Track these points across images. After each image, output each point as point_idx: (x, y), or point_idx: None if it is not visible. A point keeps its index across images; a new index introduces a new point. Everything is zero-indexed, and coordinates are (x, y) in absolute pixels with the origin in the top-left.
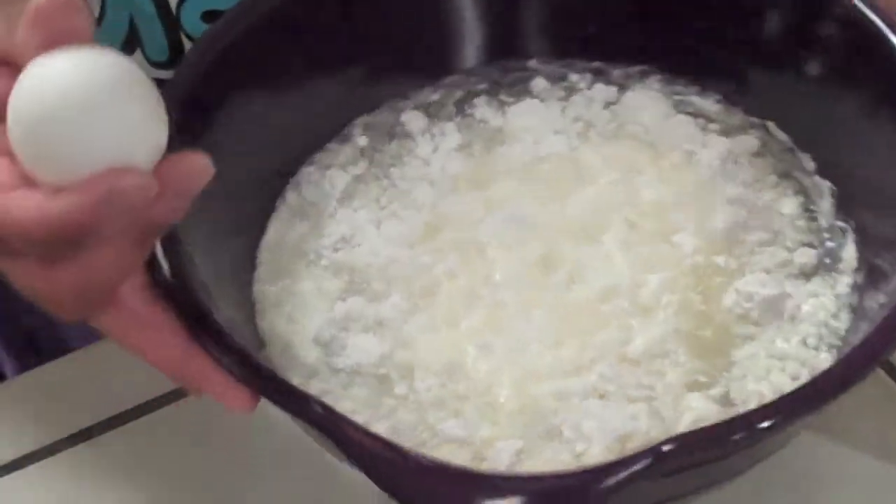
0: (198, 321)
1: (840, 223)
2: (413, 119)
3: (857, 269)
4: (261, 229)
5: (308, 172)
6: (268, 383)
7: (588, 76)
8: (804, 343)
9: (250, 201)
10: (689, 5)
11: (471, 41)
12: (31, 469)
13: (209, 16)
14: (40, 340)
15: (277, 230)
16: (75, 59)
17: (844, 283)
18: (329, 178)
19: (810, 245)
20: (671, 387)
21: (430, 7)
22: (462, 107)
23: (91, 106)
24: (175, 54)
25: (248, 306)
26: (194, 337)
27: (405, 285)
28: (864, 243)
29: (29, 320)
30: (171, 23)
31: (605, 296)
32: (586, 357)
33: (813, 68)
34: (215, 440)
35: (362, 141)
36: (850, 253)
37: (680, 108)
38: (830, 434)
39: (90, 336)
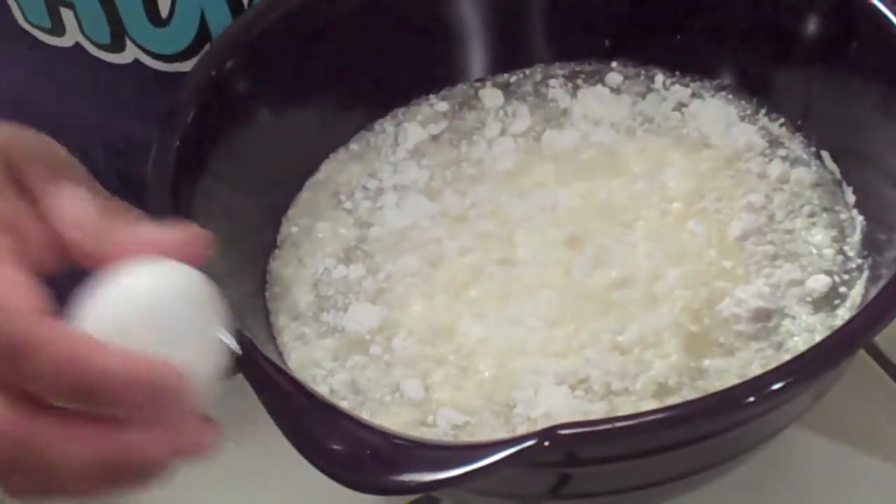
0: None
1: (860, 260)
2: (490, 95)
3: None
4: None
5: (382, 123)
6: None
7: (668, 80)
8: None
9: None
10: (765, 30)
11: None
12: None
13: None
14: None
15: (329, 170)
16: (164, 277)
17: (840, 320)
18: (403, 129)
19: (828, 273)
20: (642, 387)
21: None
22: (538, 88)
23: (171, 327)
24: None
25: (264, 247)
26: None
27: (416, 253)
28: (872, 284)
29: None
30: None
31: (620, 283)
32: (577, 340)
33: (869, 99)
34: None
35: (442, 106)
36: (858, 291)
37: (746, 120)
38: (824, 430)
39: None
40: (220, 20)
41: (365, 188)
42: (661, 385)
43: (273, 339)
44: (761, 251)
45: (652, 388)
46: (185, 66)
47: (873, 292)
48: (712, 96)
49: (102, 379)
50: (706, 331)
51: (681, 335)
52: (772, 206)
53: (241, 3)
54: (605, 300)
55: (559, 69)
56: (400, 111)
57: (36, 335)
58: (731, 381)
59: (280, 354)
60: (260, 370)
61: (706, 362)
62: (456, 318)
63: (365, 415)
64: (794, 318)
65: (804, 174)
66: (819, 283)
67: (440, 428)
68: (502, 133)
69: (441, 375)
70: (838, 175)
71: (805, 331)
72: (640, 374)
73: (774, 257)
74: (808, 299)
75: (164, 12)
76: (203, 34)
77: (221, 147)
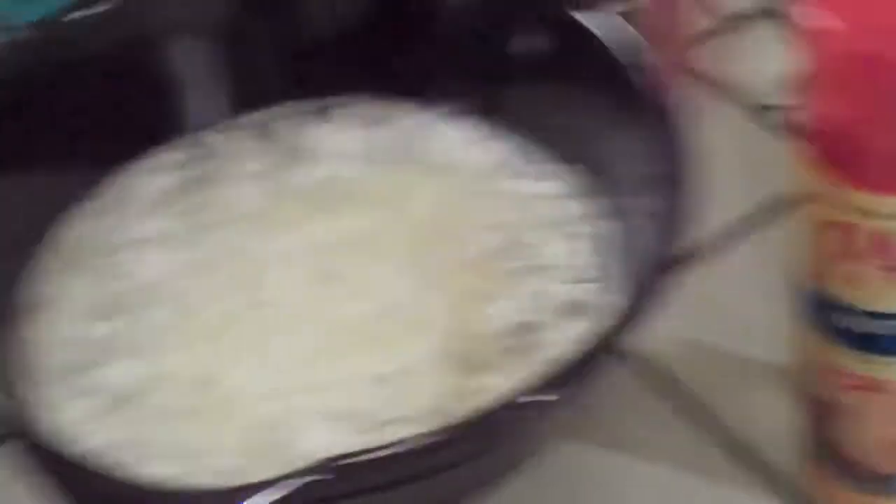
0: None
1: (605, 268)
2: (223, 140)
3: None
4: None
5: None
6: None
7: (406, 109)
8: None
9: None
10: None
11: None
12: None
13: None
14: None
15: (69, 228)
16: None
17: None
18: (141, 182)
19: (577, 282)
20: (413, 414)
21: None
22: (273, 127)
23: None
24: None
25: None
26: None
27: (167, 305)
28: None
29: None
30: None
31: (379, 315)
32: (339, 375)
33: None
34: None
35: (178, 156)
36: (608, 298)
37: (486, 141)
38: (595, 441)
39: None
40: None
41: (108, 243)
42: (432, 409)
43: (27, 403)
44: (510, 267)
45: (422, 414)
46: None
47: (622, 298)
48: (451, 121)
49: None
50: (471, 351)
51: (446, 359)
52: (516, 222)
53: None
54: (364, 333)
55: (293, 107)
56: (134, 164)
57: None
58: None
59: (34, 418)
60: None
61: (475, 382)
62: (214, 366)
63: (135, 470)
64: (553, 328)
65: (545, 188)
66: (570, 292)
67: (205, 477)
68: (242, 176)
69: (203, 424)
70: (578, 187)
71: (565, 341)
72: (407, 401)
73: (526, 272)
74: (564, 309)
75: None
76: None
77: None
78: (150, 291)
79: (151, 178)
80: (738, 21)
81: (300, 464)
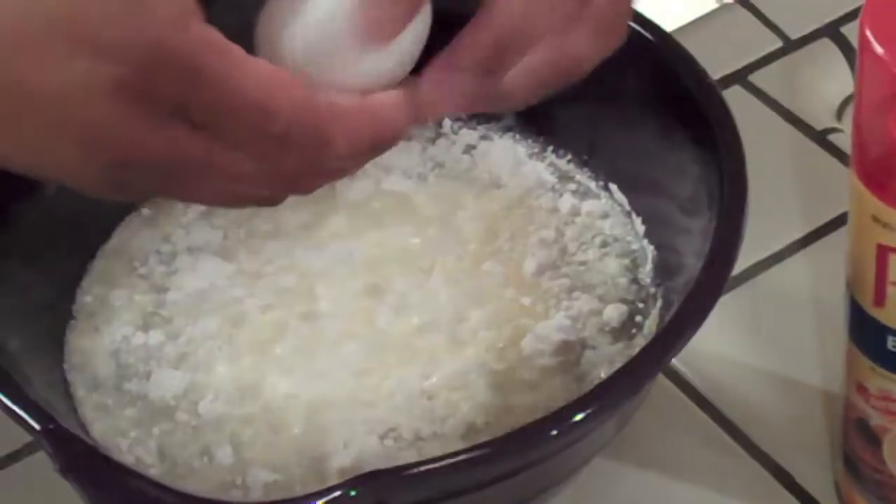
0: None
1: (653, 288)
2: None
3: None
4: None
5: None
6: None
7: (455, 124)
8: None
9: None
10: None
11: None
12: None
13: None
14: None
15: (121, 237)
16: None
17: (637, 349)
18: None
19: (624, 301)
20: (451, 430)
21: None
22: None
23: None
24: None
25: (61, 319)
26: None
27: (217, 314)
28: (666, 310)
29: None
30: None
31: (423, 329)
32: (384, 389)
33: (648, 130)
34: None
35: None
36: (653, 318)
37: (534, 158)
38: (630, 459)
39: None
40: None
41: (158, 252)
42: (470, 426)
43: (74, 410)
44: (557, 285)
45: (461, 431)
46: None
47: (667, 318)
48: (500, 137)
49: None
50: (511, 369)
51: (487, 375)
52: (564, 240)
53: None
54: (409, 346)
55: None
56: None
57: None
58: (539, 416)
59: (83, 426)
60: (60, 441)
61: (513, 399)
62: (262, 377)
63: (174, 481)
64: (595, 348)
65: (594, 206)
66: (616, 311)
67: (251, 488)
68: None
69: (250, 435)
70: (627, 206)
71: (606, 361)
72: (449, 417)
73: (571, 290)
74: (607, 329)
75: None
76: None
77: (6, 224)
78: (200, 300)
79: None
80: (801, 43)
81: (343, 476)
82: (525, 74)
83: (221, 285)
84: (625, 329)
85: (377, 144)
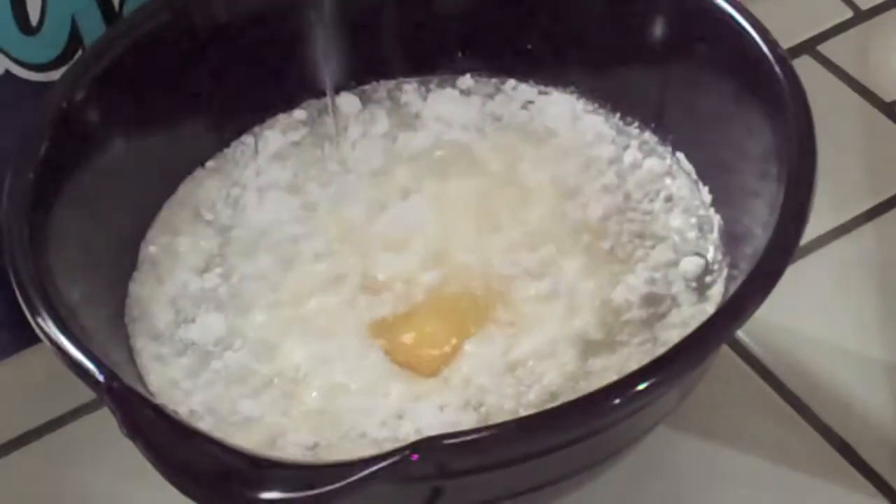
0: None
1: (720, 257)
2: (347, 102)
3: None
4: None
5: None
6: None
7: (518, 84)
8: None
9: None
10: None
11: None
12: None
13: None
14: None
15: (187, 189)
16: None
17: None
18: (264, 138)
19: (699, 255)
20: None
21: None
22: (392, 94)
23: None
24: None
25: (124, 271)
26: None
27: (272, 252)
28: (731, 280)
29: None
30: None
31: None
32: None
33: (720, 97)
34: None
35: (300, 115)
36: (718, 288)
37: (594, 114)
38: (692, 430)
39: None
40: (93, 26)
41: (227, 196)
42: (553, 394)
43: (133, 361)
44: (626, 230)
45: (544, 398)
46: (57, 75)
47: (733, 288)
48: (560, 93)
49: None
50: (605, 326)
51: (579, 341)
52: (626, 187)
53: (113, 9)
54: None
55: (412, 78)
56: (256, 127)
57: None
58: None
59: (140, 377)
60: (120, 398)
61: (590, 363)
62: (283, 336)
63: (221, 435)
64: (679, 306)
65: (658, 164)
66: (692, 264)
67: (291, 450)
68: (364, 136)
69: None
70: (694, 175)
71: (681, 325)
72: (534, 383)
73: (641, 236)
74: (693, 285)
75: (34, 20)
76: (75, 41)
77: (75, 176)
78: (257, 237)
79: (279, 134)
80: (872, 14)
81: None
82: None
83: (283, 219)
84: (703, 285)
85: None
